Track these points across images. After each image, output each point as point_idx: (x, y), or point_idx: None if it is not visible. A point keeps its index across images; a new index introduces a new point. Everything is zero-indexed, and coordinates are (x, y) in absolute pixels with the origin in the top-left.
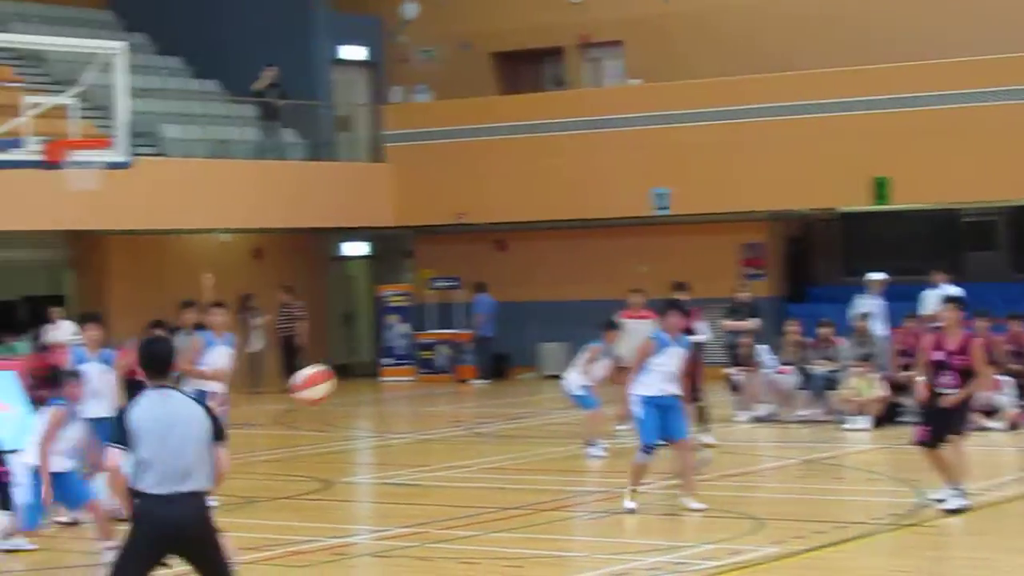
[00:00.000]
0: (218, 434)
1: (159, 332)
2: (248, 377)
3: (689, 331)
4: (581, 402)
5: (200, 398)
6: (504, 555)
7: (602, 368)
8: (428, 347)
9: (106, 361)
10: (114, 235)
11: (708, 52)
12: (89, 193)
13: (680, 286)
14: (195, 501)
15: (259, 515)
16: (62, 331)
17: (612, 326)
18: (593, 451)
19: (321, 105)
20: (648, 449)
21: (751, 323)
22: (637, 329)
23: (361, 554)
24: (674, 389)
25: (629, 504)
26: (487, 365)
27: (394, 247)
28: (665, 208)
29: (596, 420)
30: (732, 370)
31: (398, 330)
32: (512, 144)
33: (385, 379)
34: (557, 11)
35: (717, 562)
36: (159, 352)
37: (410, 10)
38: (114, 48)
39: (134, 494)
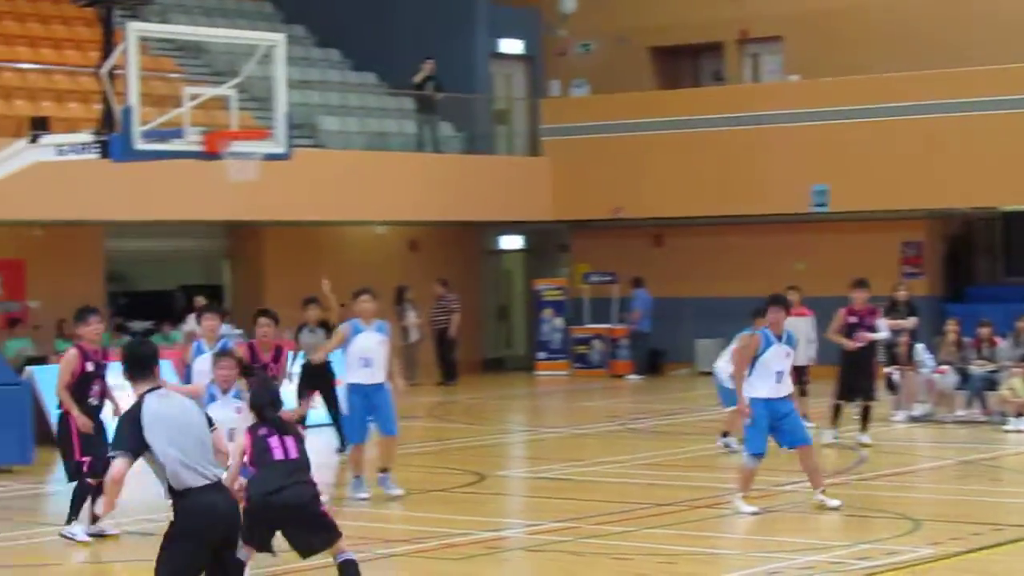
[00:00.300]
0: (209, 421)
1: (265, 320)
2: (403, 369)
3: (872, 328)
4: (727, 397)
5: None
6: (657, 551)
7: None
8: (583, 342)
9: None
10: (271, 226)
11: (868, 48)
12: (247, 184)
13: (860, 283)
14: (225, 490)
15: (413, 507)
16: None
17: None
18: (731, 443)
19: (479, 98)
20: (757, 456)
21: (909, 322)
22: (794, 326)
23: (514, 548)
24: (785, 390)
25: (747, 508)
26: (643, 360)
27: (550, 241)
28: (823, 205)
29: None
30: (890, 369)
31: (553, 324)
32: (669, 139)
33: (539, 373)
34: (716, 6)
35: (872, 562)
36: (142, 353)
37: (568, 4)
38: (273, 39)
39: (175, 495)
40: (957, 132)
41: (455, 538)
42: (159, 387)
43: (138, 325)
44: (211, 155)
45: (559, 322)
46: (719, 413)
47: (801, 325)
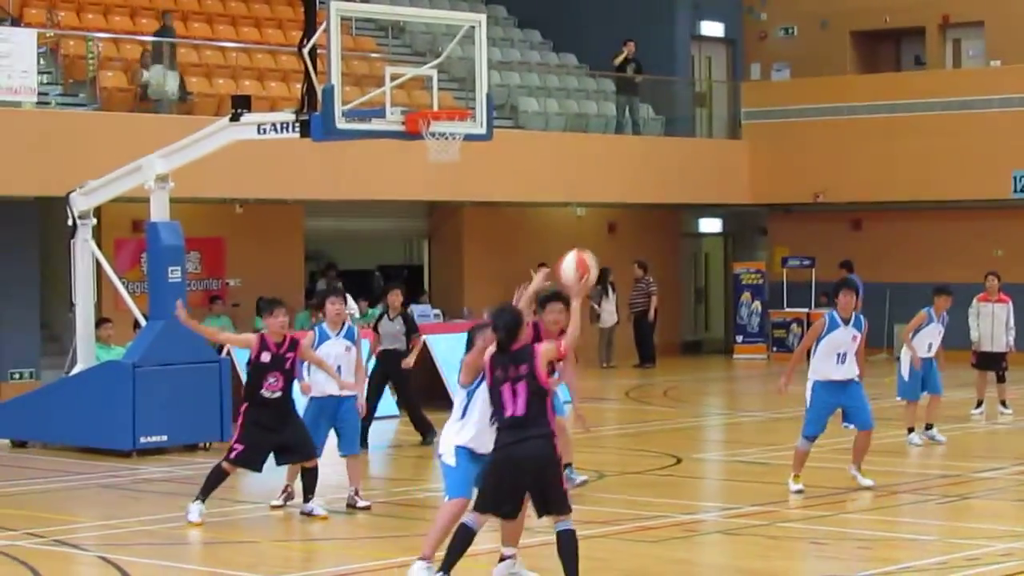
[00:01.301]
0: None
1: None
2: (601, 351)
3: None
4: (902, 388)
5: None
6: (854, 536)
7: (931, 335)
8: (781, 325)
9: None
10: (470, 206)
11: None
12: (447, 164)
13: None
14: None
15: (609, 489)
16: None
17: (943, 292)
18: (913, 438)
19: (679, 81)
20: (809, 438)
21: None
22: (994, 313)
23: (711, 531)
24: (842, 373)
25: (795, 486)
26: None
27: (748, 224)
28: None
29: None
30: None
31: (751, 308)
32: (869, 124)
33: (737, 356)
34: None
35: None
36: None
37: None
38: (475, 20)
39: None
40: None
41: (652, 520)
42: None
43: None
44: (412, 135)
45: (757, 305)
46: (925, 400)
47: (1000, 312)
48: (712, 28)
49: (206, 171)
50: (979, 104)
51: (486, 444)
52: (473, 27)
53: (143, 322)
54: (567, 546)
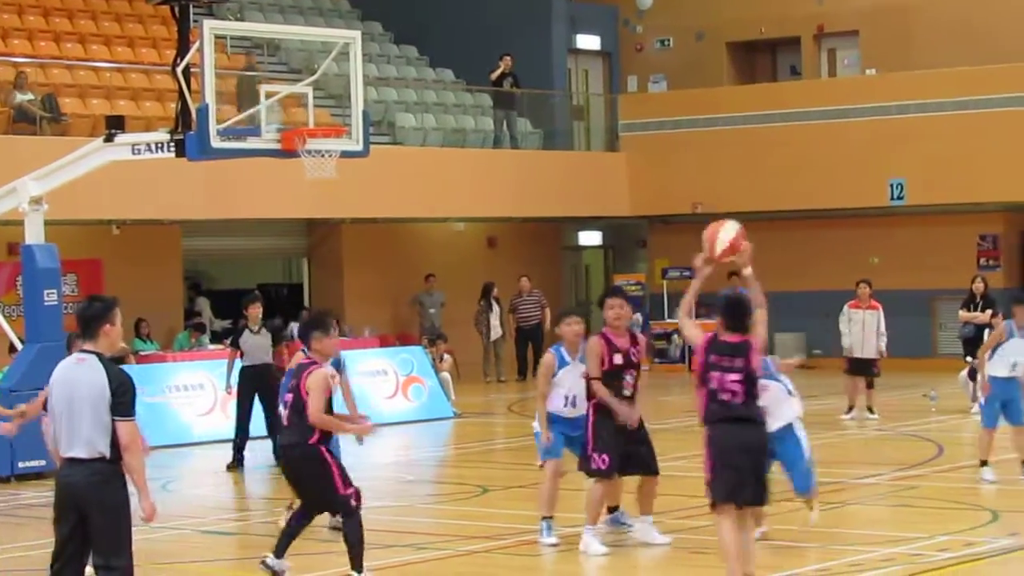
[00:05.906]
0: (117, 409)
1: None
2: (488, 366)
3: None
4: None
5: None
6: None
7: (1015, 352)
8: (662, 336)
9: None
10: (349, 223)
11: (945, 42)
12: (325, 182)
13: None
14: (86, 467)
15: (494, 504)
16: None
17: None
18: (986, 474)
19: (556, 94)
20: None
21: (986, 315)
22: (865, 320)
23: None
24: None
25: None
26: None
27: (628, 236)
28: (900, 199)
29: None
30: (971, 360)
31: (632, 320)
32: (747, 134)
33: None
34: (793, 1)
35: (952, 553)
36: (87, 313)
37: (646, 0)
38: (350, 36)
39: None
40: None
41: (535, 534)
42: (86, 351)
43: (216, 324)
44: (288, 153)
45: (638, 317)
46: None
47: (871, 319)
48: (589, 41)
49: (82, 192)
50: (855, 113)
51: None
52: (348, 44)
53: (19, 346)
54: None
